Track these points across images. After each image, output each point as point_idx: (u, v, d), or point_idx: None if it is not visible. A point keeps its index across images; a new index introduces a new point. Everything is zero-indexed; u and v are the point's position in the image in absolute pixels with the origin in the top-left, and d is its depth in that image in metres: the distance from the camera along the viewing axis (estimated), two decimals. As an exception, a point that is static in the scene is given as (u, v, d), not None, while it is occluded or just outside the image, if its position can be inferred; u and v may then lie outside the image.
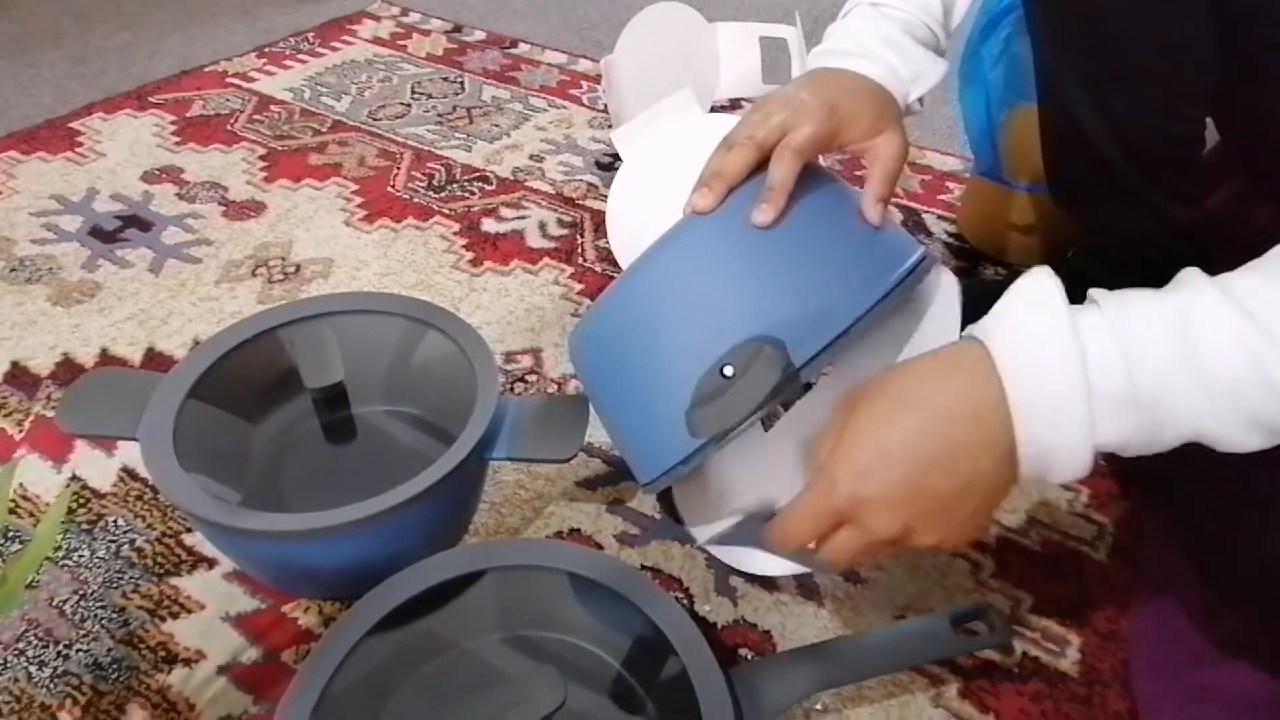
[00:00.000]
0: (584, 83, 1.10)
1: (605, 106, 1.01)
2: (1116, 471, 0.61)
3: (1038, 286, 0.33)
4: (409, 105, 1.04)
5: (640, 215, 0.74)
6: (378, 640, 0.46)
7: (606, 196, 0.79)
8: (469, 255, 0.81)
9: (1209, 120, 0.55)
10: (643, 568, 0.56)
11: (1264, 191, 0.55)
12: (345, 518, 0.47)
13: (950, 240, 0.85)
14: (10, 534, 0.56)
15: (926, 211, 0.88)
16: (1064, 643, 0.52)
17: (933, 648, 0.47)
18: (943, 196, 0.90)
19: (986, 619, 0.47)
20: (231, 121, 0.99)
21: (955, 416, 0.33)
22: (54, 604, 0.52)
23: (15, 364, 0.68)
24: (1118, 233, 0.62)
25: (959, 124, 0.83)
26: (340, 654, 0.44)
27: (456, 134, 0.99)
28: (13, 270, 0.77)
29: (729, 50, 0.89)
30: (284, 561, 0.51)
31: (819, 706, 0.48)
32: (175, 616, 0.52)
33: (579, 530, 0.58)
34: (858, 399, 0.36)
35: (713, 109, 0.85)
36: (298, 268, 0.79)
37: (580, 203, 0.88)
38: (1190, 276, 0.33)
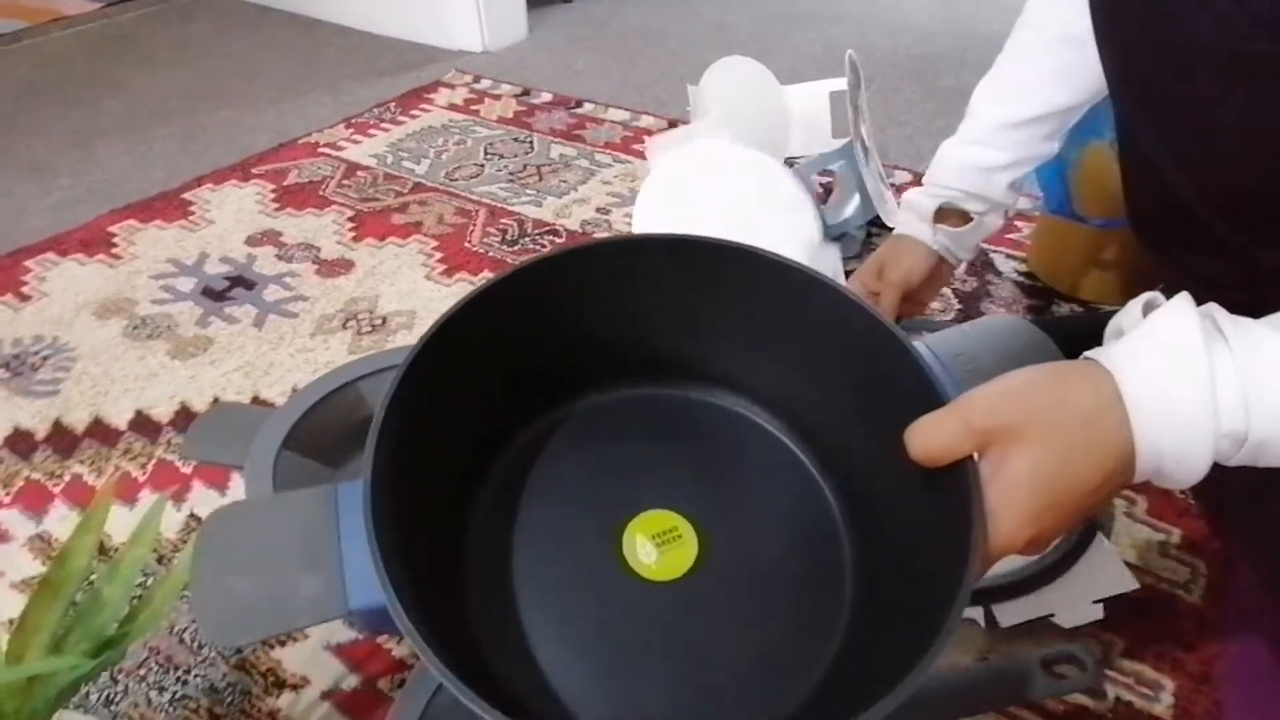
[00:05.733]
0: (646, 137, 1.15)
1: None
2: (1207, 509, 0.60)
3: (1175, 323, 0.33)
4: (482, 165, 1.11)
5: (656, 222, 0.78)
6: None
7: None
8: (542, 304, 0.86)
9: None
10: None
11: None
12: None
13: (1020, 279, 0.85)
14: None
15: (995, 251, 0.89)
16: (1158, 687, 0.51)
17: (1022, 689, 0.45)
18: (1011, 235, 0.91)
19: (1078, 662, 0.46)
20: (323, 187, 1.08)
21: (1094, 448, 0.32)
22: (174, 632, 0.57)
23: (139, 412, 0.75)
24: (1202, 275, 0.61)
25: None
26: (435, 682, 0.47)
27: (527, 190, 1.05)
28: (135, 328, 0.85)
29: (799, 109, 0.92)
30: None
31: (900, 744, 0.48)
32: (282, 645, 0.56)
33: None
34: (1003, 439, 0.33)
35: (786, 162, 0.87)
36: (384, 320, 0.85)
37: (646, 251, 0.92)
38: None
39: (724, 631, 0.37)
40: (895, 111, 0.76)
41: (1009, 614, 0.53)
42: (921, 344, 0.37)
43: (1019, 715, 0.50)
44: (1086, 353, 0.35)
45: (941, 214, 0.68)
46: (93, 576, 0.50)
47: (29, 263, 0.95)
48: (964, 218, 0.69)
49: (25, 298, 0.90)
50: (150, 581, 0.60)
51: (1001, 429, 0.32)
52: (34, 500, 0.67)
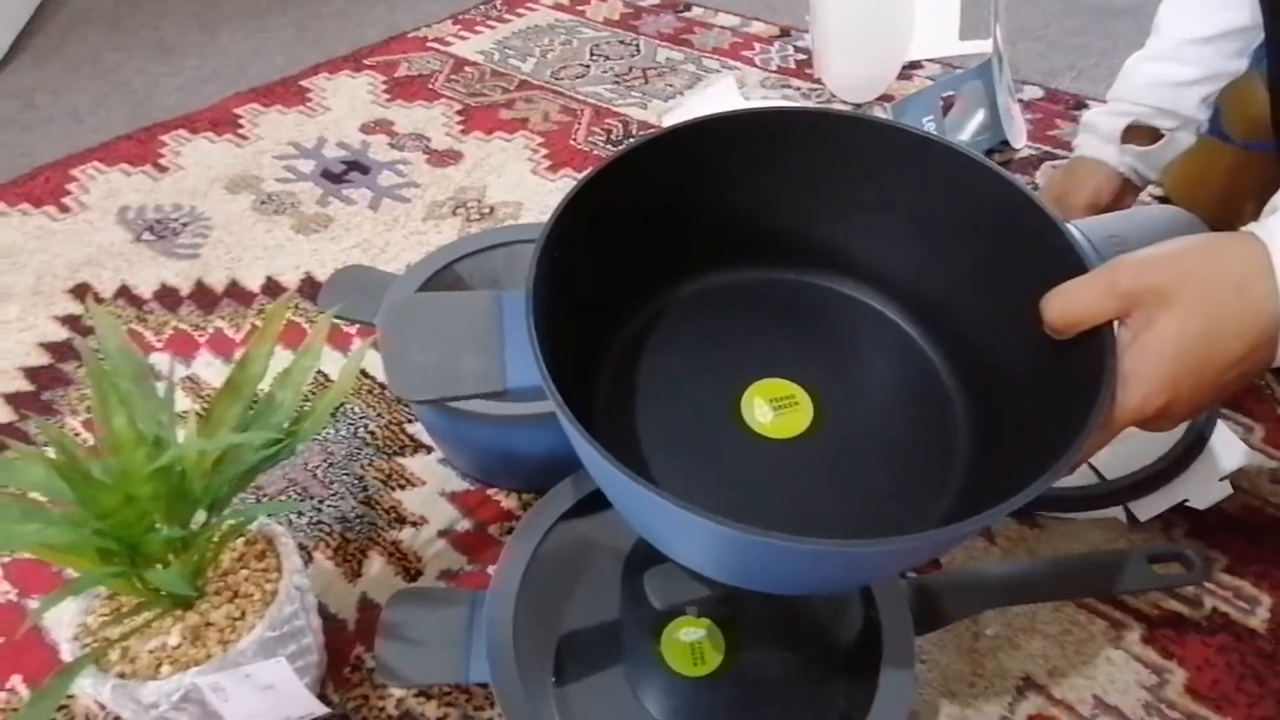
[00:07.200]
0: (756, 44, 1.13)
1: (808, 45, 1.03)
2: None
3: None
4: (588, 66, 1.11)
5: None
6: (572, 523, 0.52)
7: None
8: (644, 203, 0.87)
9: None
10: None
11: None
12: (544, 409, 0.53)
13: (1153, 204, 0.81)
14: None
15: (1116, 174, 0.85)
16: (1255, 602, 0.52)
17: (1125, 580, 0.46)
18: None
19: (1184, 560, 0.46)
20: (432, 81, 1.10)
21: (1243, 314, 0.32)
22: (308, 468, 0.63)
23: (269, 278, 0.81)
24: None
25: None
26: (544, 526, 0.51)
27: (633, 93, 1.05)
28: (263, 203, 0.91)
29: (924, 8, 0.87)
30: (489, 446, 0.58)
31: (990, 632, 0.50)
32: (402, 488, 0.61)
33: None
34: (1151, 301, 0.32)
35: (907, 67, 0.83)
36: (492, 209, 0.88)
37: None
38: None
39: (830, 487, 0.39)
40: (1030, 24, 0.71)
41: (1145, 508, 0.54)
42: (1070, 225, 0.37)
43: (1115, 616, 0.51)
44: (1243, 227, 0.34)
45: (1129, 133, 0.66)
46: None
47: (164, 137, 1.01)
48: (1153, 136, 0.66)
49: (163, 169, 0.96)
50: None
51: (1150, 290, 0.32)
52: (182, 347, 0.74)
